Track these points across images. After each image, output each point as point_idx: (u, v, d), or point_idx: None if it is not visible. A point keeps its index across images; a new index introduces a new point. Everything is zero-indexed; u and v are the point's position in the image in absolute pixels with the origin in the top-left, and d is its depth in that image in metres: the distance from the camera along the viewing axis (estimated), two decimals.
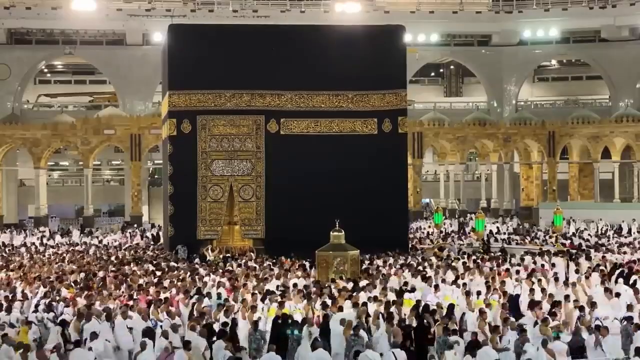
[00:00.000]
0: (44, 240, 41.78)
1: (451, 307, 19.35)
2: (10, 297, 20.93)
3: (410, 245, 35.70)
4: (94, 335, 16.14)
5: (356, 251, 26.84)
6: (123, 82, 62.85)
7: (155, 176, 64.88)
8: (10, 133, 54.03)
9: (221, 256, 31.89)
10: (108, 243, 40.28)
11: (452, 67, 75.11)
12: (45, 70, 71.95)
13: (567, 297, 20.29)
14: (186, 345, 15.84)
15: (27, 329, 16.82)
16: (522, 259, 28.63)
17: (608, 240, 38.09)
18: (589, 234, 41.57)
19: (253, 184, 34.73)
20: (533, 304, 19.60)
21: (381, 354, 15.31)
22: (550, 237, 38.54)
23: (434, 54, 66.98)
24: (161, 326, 17.52)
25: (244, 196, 34.66)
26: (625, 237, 40.14)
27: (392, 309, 18.95)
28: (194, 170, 34.62)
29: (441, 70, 76.65)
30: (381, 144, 35.12)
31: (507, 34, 65.03)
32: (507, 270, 25.96)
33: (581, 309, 19.05)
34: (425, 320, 17.83)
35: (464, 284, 22.86)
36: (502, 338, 16.36)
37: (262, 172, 34.76)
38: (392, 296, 20.92)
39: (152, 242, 40.45)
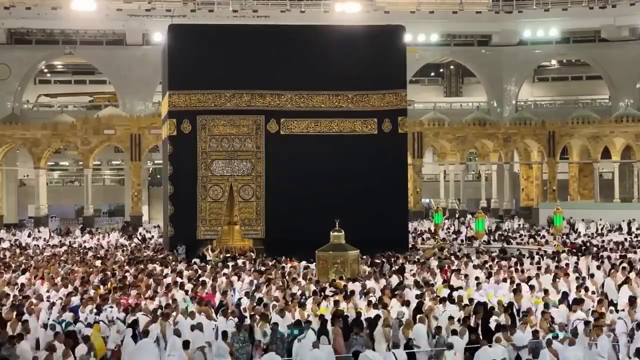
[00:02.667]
0: (45, 241, 41.74)
1: (510, 305, 19.28)
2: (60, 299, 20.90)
3: (410, 245, 35.72)
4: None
5: (356, 251, 26.85)
6: (123, 82, 62.89)
7: (158, 176, 64.88)
8: (10, 133, 54.05)
9: (221, 256, 31.87)
10: (80, 244, 40.07)
11: (452, 67, 75.14)
12: (45, 70, 71.98)
13: None
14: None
15: (99, 327, 17.15)
16: (554, 259, 28.38)
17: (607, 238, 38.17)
18: (590, 234, 41.70)
19: (253, 184, 34.72)
20: (577, 302, 19.43)
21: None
22: (553, 236, 38.59)
23: (434, 54, 67.01)
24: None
25: (244, 196, 34.65)
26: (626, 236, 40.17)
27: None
28: (194, 170, 34.60)
29: (441, 70, 76.67)
30: (381, 144, 35.10)
31: (507, 34, 65.06)
32: (565, 269, 25.67)
33: None
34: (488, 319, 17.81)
35: (512, 282, 22.68)
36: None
37: (262, 172, 34.74)
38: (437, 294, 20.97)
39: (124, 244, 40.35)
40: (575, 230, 44.14)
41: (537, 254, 30.12)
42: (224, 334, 16.38)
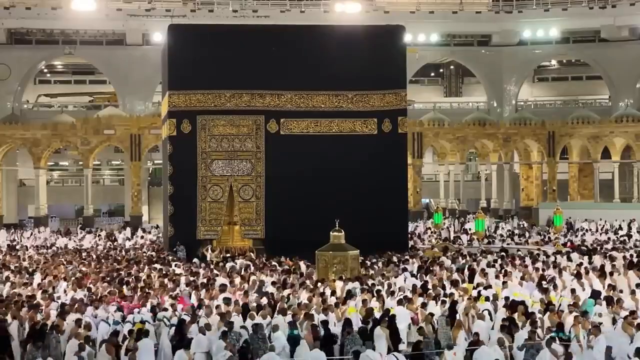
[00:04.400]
0: (47, 241, 41.71)
1: (550, 304, 19.26)
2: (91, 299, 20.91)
3: (410, 245, 35.71)
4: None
5: (356, 251, 26.86)
6: (123, 82, 62.89)
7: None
8: (10, 133, 54.00)
9: (221, 256, 31.88)
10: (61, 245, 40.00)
11: (452, 67, 75.11)
12: (45, 70, 71.93)
13: None
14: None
15: (142, 327, 17.29)
16: (569, 258, 28.43)
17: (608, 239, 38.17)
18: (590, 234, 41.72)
19: (253, 184, 34.72)
20: (609, 300, 19.41)
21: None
22: (555, 236, 38.62)
23: (434, 54, 67.01)
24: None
25: (244, 196, 34.65)
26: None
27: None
28: (194, 170, 34.60)
29: (441, 70, 76.63)
30: (381, 144, 35.11)
31: (507, 34, 65.05)
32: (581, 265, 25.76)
33: None
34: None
35: (541, 282, 22.66)
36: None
37: (262, 172, 34.75)
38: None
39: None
40: (575, 230, 44.15)
41: (556, 254, 30.02)
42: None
